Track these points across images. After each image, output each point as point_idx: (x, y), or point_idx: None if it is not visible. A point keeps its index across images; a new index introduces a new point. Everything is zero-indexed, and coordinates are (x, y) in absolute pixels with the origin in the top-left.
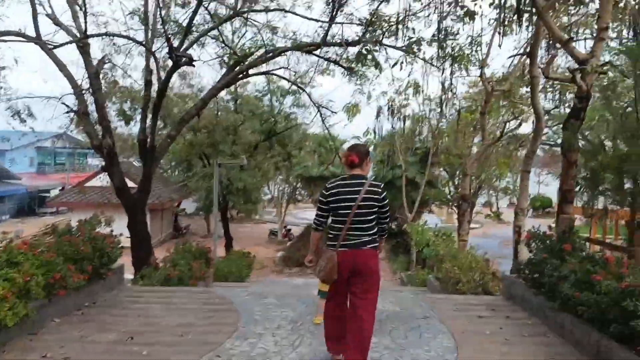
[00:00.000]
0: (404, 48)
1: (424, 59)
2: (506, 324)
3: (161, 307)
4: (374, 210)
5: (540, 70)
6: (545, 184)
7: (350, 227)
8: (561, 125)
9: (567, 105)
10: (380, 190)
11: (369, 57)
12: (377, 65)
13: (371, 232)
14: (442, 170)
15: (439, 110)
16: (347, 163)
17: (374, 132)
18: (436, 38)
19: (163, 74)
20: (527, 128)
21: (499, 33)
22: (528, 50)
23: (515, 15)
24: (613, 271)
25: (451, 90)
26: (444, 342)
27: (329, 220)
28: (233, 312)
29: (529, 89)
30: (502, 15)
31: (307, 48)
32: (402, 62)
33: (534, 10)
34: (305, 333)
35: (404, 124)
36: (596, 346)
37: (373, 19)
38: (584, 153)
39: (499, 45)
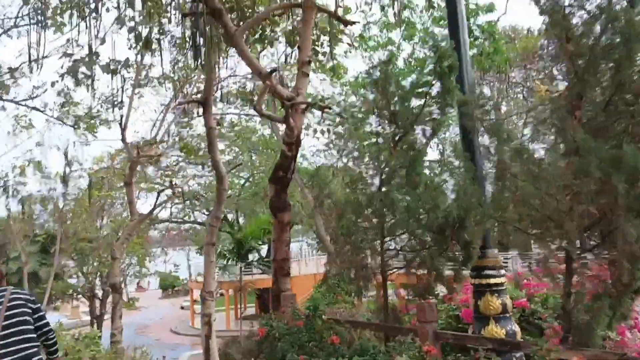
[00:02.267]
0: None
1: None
2: None
3: None
4: (25, 323)
5: (216, 120)
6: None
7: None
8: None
9: None
10: (29, 297)
11: None
12: None
13: (32, 351)
14: (69, 259)
15: (63, 188)
16: None
17: None
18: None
19: None
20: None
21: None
22: (200, 97)
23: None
24: None
25: (77, 161)
26: None
27: None
28: None
29: (182, 154)
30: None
31: None
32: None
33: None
34: None
35: (22, 206)
36: None
37: None
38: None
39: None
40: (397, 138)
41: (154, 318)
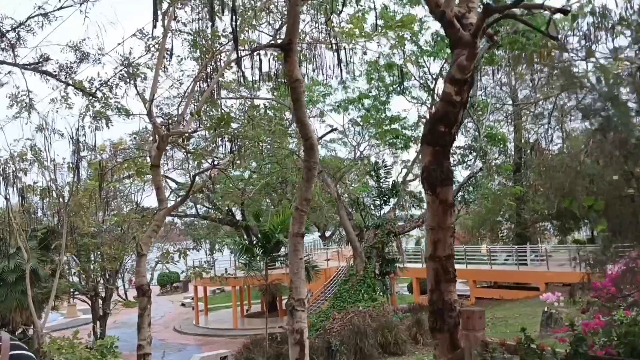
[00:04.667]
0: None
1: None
2: None
3: None
4: None
5: (299, 72)
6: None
7: None
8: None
9: None
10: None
11: None
12: None
13: None
14: (71, 255)
15: (71, 178)
16: None
17: None
18: None
19: None
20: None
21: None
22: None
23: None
24: None
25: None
26: None
27: None
28: None
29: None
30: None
31: None
32: None
33: None
34: None
35: (23, 197)
36: None
37: None
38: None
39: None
40: None
41: (155, 316)
